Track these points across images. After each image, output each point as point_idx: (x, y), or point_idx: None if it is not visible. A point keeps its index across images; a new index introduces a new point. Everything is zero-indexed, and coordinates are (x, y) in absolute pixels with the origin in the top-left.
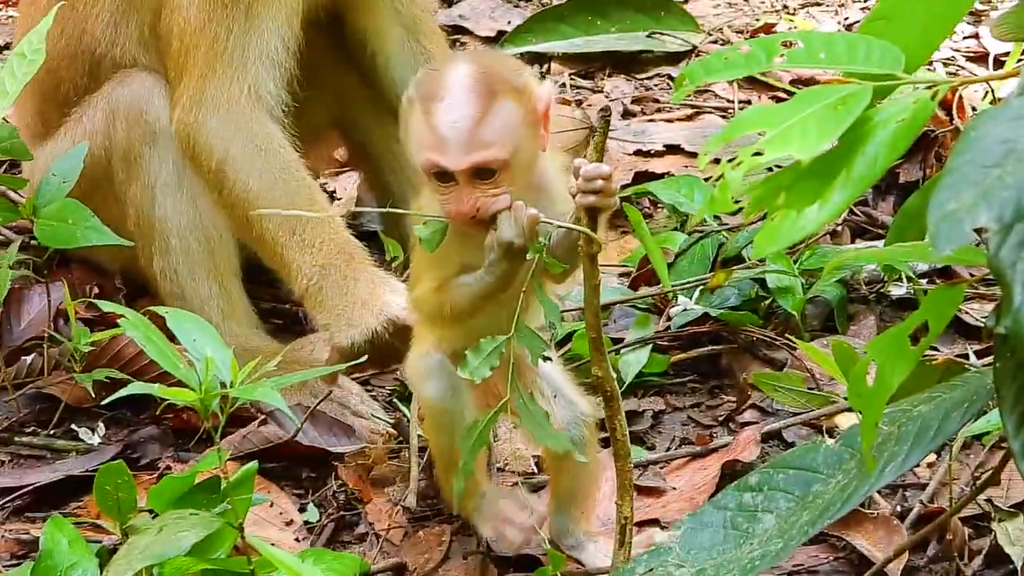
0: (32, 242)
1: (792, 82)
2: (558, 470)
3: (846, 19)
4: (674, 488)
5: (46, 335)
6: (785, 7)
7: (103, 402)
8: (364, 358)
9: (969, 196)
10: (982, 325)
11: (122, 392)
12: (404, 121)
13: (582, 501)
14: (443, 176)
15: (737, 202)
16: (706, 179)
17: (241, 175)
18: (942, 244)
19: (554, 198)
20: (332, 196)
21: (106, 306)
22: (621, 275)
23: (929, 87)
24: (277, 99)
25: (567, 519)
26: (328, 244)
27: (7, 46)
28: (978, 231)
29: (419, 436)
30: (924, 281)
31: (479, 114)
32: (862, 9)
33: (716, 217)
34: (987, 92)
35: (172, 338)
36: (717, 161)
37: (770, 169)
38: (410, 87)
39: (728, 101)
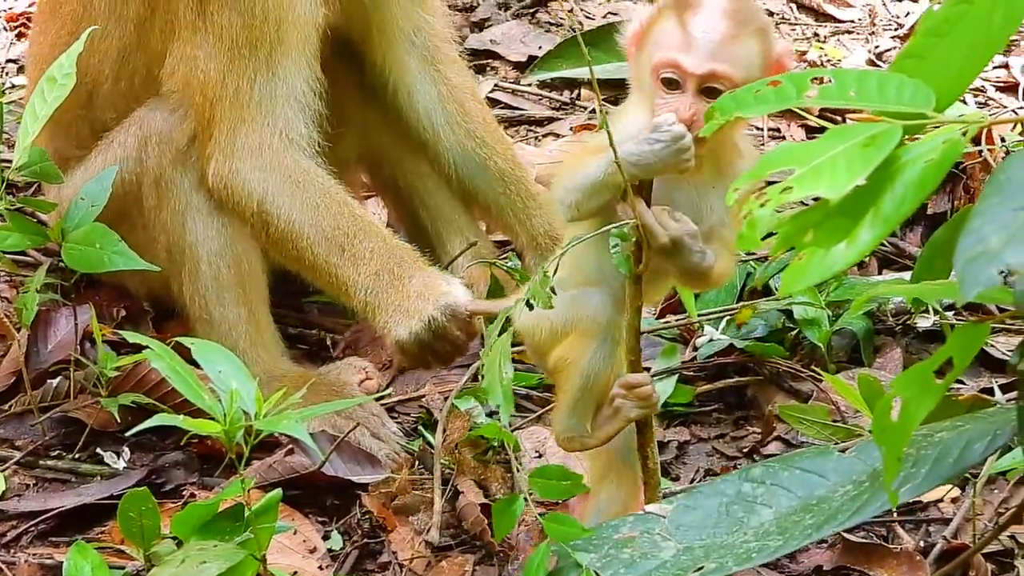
0: (60, 265)
1: (822, 112)
2: (603, 478)
3: (876, 47)
4: None
5: (72, 359)
6: (816, 35)
7: (129, 432)
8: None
9: (996, 240)
10: (1008, 358)
11: (148, 423)
12: (643, 26)
13: (620, 513)
14: (672, 83)
15: (766, 238)
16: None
17: (283, 210)
18: (968, 287)
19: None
20: None
21: (132, 336)
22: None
23: (959, 126)
24: (309, 140)
25: None
26: (378, 253)
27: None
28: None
29: (443, 465)
30: (951, 314)
31: (729, 32)
32: (892, 37)
33: None
34: (1016, 122)
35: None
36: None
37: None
38: None
39: (758, 129)
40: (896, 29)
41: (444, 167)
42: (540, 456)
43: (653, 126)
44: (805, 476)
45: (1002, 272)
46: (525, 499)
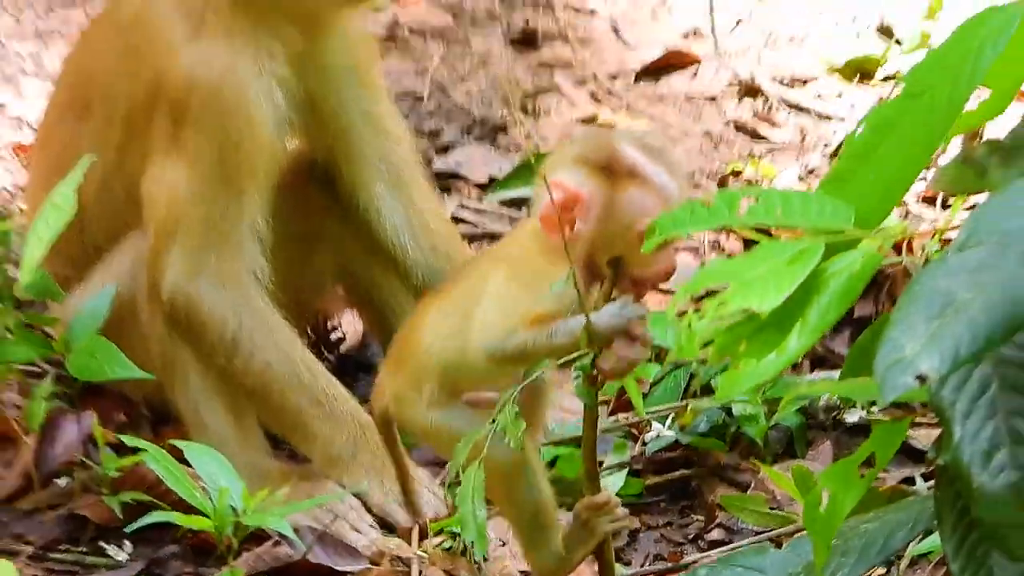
0: (65, 374)
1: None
2: None
3: (806, 164)
4: None
5: (78, 460)
6: (751, 153)
7: (129, 527)
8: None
9: (911, 348)
10: (927, 450)
11: (145, 520)
12: (583, 204)
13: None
14: None
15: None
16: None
17: (258, 350)
18: (887, 392)
19: None
20: (336, 330)
21: (131, 440)
22: (601, 403)
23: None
24: (267, 277)
25: None
26: (354, 418)
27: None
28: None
29: (422, 557)
30: (876, 409)
31: (680, 167)
32: (821, 156)
33: None
34: (935, 233)
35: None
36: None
37: None
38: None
39: (698, 241)
40: (824, 147)
41: (413, 281)
42: (504, 544)
43: (623, 302)
44: (747, 573)
45: (918, 377)
46: None
